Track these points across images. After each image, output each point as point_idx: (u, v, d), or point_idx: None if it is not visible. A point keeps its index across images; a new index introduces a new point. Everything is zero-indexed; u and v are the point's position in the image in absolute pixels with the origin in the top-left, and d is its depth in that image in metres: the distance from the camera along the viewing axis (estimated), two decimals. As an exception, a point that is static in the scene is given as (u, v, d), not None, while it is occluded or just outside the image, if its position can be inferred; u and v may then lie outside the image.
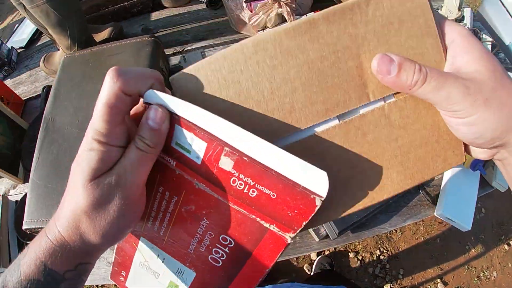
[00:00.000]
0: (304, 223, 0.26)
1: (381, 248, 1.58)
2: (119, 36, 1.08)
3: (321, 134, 0.27)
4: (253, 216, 0.27)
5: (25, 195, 0.88)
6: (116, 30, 1.06)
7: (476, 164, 0.81)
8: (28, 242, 0.81)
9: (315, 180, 0.25)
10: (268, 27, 0.99)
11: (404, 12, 0.26)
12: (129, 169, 0.25)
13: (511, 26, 1.12)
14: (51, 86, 1.06)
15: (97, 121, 0.24)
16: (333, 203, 0.28)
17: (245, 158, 0.25)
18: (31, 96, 1.11)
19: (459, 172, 0.84)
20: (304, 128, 0.27)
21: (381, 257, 1.57)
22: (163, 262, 0.33)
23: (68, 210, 0.26)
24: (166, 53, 0.98)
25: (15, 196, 0.93)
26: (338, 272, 1.48)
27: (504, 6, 1.15)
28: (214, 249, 0.30)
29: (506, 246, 1.60)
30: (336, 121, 0.27)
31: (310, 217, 0.26)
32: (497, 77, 0.25)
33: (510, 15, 1.13)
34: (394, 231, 1.62)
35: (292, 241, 0.27)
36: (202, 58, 0.94)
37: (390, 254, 1.57)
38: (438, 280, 1.52)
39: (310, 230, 0.74)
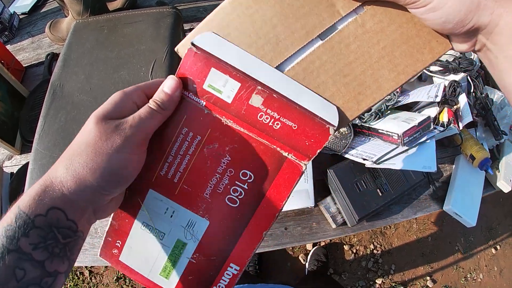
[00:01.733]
0: (318, 151, 0.30)
1: (375, 243, 1.60)
2: (132, 7, 1.04)
3: (310, 55, 0.30)
4: (274, 146, 0.30)
5: (22, 167, 0.84)
6: (130, 0, 1.02)
7: (484, 164, 0.83)
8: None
9: (329, 112, 0.30)
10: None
11: None
12: (136, 120, 0.28)
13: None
14: (56, 53, 1.03)
15: (131, 87, 0.30)
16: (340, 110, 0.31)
17: (274, 95, 0.30)
18: (32, 63, 1.07)
19: (467, 170, 0.86)
20: (293, 53, 0.30)
21: (375, 251, 1.59)
22: (171, 217, 0.32)
23: (71, 145, 0.28)
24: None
25: (10, 167, 0.88)
26: (331, 277, 1.49)
27: None
28: (232, 188, 0.31)
29: (493, 250, 1.65)
30: (319, 41, 0.30)
31: (324, 145, 0.30)
32: None
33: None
34: (388, 226, 1.64)
35: (306, 169, 0.30)
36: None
37: (383, 249, 1.59)
38: (428, 278, 1.56)
39: (328, 216, 0.73)
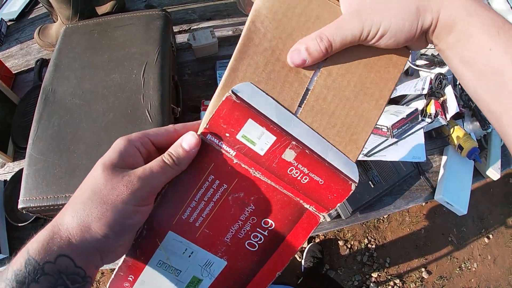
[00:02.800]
0: (338, 205, 0.31)
1: (369, 237, 1.62)
2: (121, 11, 1.04)
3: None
4: (298, 199, 0.31)
5: (16, 173, 0.84)
6: (119, 4, 1.02)
7: (472, 154, 0.85)
8: (20, 224, 0.77)
9: (351, 169, 0.31)
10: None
11: (281, 5, 0.30)
12: (147, 173, 0.28)
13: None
14: (45, 59, 1.02)
15: (137, 134, 0.30)
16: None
17: (307, 151, 0.30)
18: (22, 70, 1.06)
19: (456, 160, 0.88)
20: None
21: (369, 245, 1.61)
22: (189, 256, 0.33)
23: (78, 190, 0.28)
24: (171, 31, 0.96)
25: (2, 175, 0.88)
26: (328, 275, 1.50)
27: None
28: (253, 234, 0.32)
29: (486, 239, 1.68)
30: (300, 109, 0.31)
31: (344, 200, 0.31)
32: None
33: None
34: (381, 220, 1.66)
35: (323, 220, 0.30)
36: (212, 37, 0.94)
37: (378, 243, 1.62)
38: (423, 269, 1.58)
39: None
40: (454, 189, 0.84)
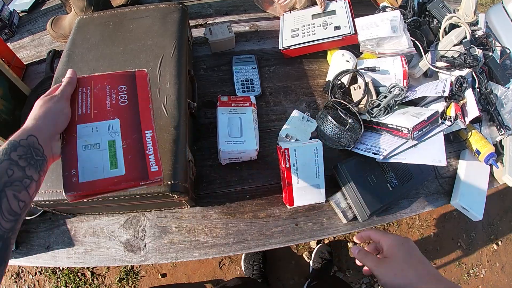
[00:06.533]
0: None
1: (378, 240, 1.59)
2: (136, 3, 1.03)
3: None
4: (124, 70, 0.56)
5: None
6: (133, -4, 1.01)
7: (490, 158, 0.83)
8: (28, 218, 0.76)
9: None
10: (296, 8, 0.97)
11: None
12: (59, 90, 0.50)
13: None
14: (58, 50, 1.01)
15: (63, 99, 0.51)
16: None
17: None
18: (33, 61, 1.05)
19: (473, 165, 0.86)
20: None
21: (378, 249, 1.58)
22: (97, 131, 0.49)
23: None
24: (186, 25, 0.94)
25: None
26: (337, 277, 1.47)
27: (509, 15, 1.17)
28: (119, 95, 0.53)
29: (495, 246, 1.65)
30: None
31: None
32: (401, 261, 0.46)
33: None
34: (391, 223, 1.64)
35: (149, 70, 0.60)
36: (229, 31, 0.92)
37: (387, 246, 1.59)
38: (431, 274, 1.55)
39: (338, 212, 0.73)
40: (471, 194, 0.82)
